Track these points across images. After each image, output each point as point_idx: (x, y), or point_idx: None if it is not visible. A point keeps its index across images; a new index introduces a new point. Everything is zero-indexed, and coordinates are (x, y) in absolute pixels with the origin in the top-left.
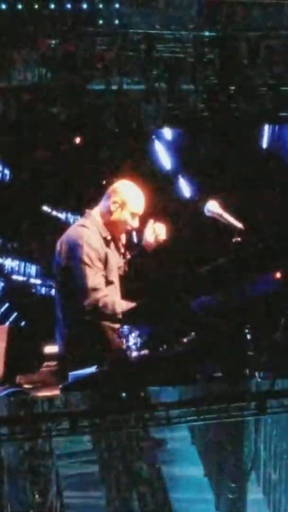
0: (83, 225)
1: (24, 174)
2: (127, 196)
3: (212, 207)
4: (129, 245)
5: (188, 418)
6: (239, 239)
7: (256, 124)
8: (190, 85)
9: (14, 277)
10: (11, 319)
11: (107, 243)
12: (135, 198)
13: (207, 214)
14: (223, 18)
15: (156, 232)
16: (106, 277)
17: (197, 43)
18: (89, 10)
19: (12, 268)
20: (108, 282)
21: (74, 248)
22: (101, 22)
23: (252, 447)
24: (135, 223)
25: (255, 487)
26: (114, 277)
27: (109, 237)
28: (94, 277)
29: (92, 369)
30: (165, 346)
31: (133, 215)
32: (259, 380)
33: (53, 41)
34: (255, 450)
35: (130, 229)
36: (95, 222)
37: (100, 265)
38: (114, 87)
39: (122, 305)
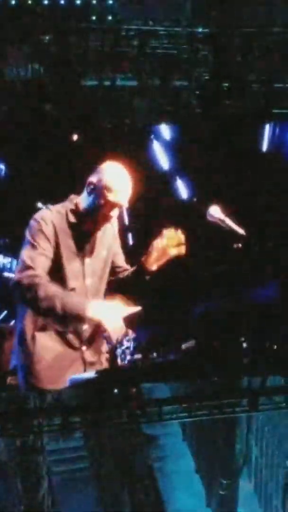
0: (48, 207)
1: (17, 170)
2: (107, 179)
3: (214, 212)
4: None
5: (180, 415)
6: (240, 245)
7: (249, 121)
8: (183, 81)
9: (6, 274)
10: (0, 317)
11: (76, 232)
12: (116, 183)
13: (209, 219)
14: (216, 14)
15: (170, 243)
16: (58, 270)
17: (191, 39)
18: (83, 6)
19: (3, 265)
20: (59, 277)
21: (28, 228)
22: (94, 18)
23: (244, 443)
24: (113, 212)
25: (247, 483)
26: (84, 276)
27: (74, 222)
28: (29, 254)
29: (91, 373)
30: (161, 352)
31: (109, 203)
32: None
33: (47, 37)
34: (247, 446)
35: (106, 220)
36: (67, 207)
37: (47, 247)
38: (107, 83)
39: (54, 291)
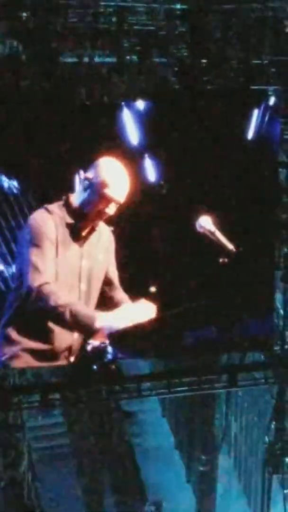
0: (46, 209)
1: None
2: (104, 174)
3: (205, 222)
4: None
5: (159, 391)
6: (226, 260)
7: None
8: (161, 58)
9: None
10: None
11: (73, 233)
12: (113, 179)
13: (199, 229)
14: None
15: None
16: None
17: (169, 16)
18: None
19: None
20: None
21: (28, 233)
22: None
23: (223, 419)
24: (109, 209)
25: (226, 459)
26: (81, 278)
27: (71, 223)
28: (37, 259)
29: None
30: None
31: (105, 199)
32: None
33: (24, 14)
34: (226, 422)
35: (101, 217)
36: (64, 207)
37: (52, 250)
38: (86, 60)
39: (64, 301)
